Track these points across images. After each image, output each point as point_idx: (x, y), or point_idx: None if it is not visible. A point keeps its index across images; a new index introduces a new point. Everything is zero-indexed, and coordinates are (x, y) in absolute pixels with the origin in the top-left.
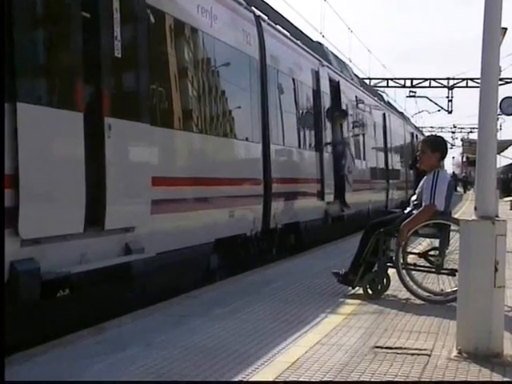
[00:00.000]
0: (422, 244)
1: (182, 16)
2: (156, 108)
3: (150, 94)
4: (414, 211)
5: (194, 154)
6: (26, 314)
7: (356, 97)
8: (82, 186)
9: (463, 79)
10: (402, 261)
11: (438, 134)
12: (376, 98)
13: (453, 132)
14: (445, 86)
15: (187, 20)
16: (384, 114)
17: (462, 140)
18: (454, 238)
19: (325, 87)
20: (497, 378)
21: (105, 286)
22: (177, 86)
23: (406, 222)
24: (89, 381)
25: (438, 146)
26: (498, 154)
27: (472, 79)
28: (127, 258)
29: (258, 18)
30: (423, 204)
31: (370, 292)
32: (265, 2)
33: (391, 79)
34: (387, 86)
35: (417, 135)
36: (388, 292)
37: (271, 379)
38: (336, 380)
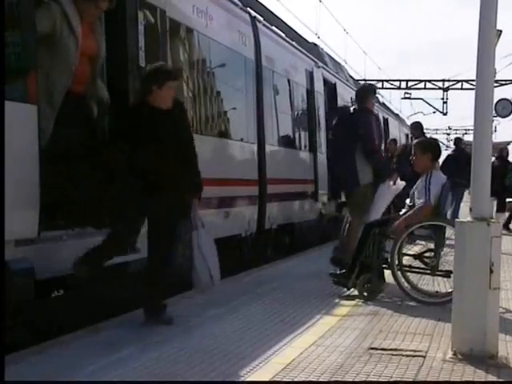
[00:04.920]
0: (418, 245)
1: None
2: None
3: None
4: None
5: None
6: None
7: (351, 98)
8: None
9: (458, 81)
10: (397, 262)
11: (433, 136)
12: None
13: (448, 134)
14: (440, 88)
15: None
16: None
17: None
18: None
19: (320, 88)
20: (492, 379)
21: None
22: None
23: (401, 219)
24: (86, 381)
25: (427, 147)
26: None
27: (467, 81)
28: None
29: (253, 18)
30: (417, 203)
31: (365, 293)
32: (260, 3)
33: (386, 81)
34: (382, 88)
35: (411, 137)
36: (383, 293)
37: (266, 380)
38: (331, 381)
